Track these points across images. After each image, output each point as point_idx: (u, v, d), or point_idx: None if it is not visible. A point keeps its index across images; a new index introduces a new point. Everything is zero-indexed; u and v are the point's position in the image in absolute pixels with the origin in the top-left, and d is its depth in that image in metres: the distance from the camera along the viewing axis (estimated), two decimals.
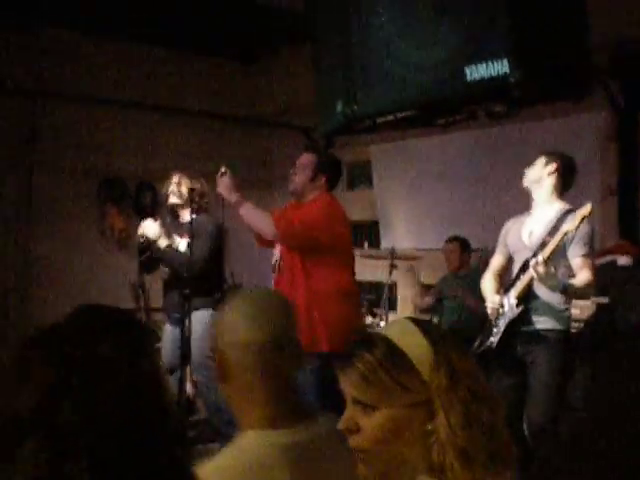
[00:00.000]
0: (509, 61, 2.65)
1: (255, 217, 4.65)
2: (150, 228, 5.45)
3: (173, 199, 5.53)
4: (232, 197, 4.65)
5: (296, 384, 2.02)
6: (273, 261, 4.94)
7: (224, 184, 4.67)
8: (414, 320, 1.68)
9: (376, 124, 3.44)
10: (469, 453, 1.51)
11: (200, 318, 5.22)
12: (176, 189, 5.50)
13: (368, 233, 9.18)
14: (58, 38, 8.25)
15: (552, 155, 4.66)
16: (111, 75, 8.71)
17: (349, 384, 1.60)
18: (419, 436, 1.55)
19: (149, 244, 5.46)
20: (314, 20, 3.70)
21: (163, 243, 5.41)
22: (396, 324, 1.73)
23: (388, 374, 1.55)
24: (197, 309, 5.26)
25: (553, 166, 4.59)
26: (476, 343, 4.70)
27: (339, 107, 3.39)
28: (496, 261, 4.92)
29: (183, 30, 8.44)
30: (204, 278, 5.37)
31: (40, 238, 8.32)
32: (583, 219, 4.24)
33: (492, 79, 2.72)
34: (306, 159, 4.76)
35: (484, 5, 2.73)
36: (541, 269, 4.18)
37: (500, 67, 2.68)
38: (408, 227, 8.62)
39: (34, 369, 1.13)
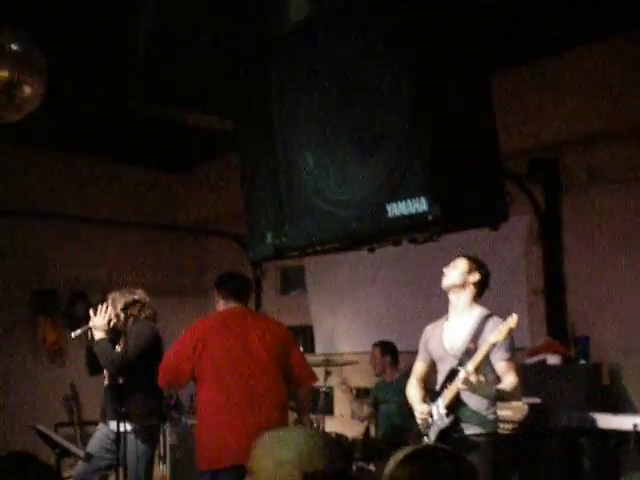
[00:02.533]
0: (427, 200, 2.80)
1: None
2: (98, 318, 5.38)
3: (116, 324, 5.47)
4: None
5: None
6: None
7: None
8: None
9: (304, 252, 3.57)
10: None
11: (131, 448, 5.15)
12: (113, 313, 5.46)
13: (302, 338, 9.23)
14: None
15: (476, 263, 4.77)
16: (44, 187, 8.76)
17: None
18: None
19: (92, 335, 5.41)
20: (243, 152, 3.84)
21: (98, 335, 5.35)
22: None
23: None
24: (130, 430, 5.20)
25: (476, 276, 4.72)
26: None
27: (269, 238, 3.51)
28: (419, 368, 4.99)
29: (115, 142, 8.55)
30: (140, 385, 5.28)
31: None
32: (511, 330, 4.31)
33: (412, 216, 2.85)
34: None
35: (403, 148, 2.88)
36: (473, 379, 4.25)
37: (419, 205, 2.82)
38: (342, 331, 8.69)
39: None
